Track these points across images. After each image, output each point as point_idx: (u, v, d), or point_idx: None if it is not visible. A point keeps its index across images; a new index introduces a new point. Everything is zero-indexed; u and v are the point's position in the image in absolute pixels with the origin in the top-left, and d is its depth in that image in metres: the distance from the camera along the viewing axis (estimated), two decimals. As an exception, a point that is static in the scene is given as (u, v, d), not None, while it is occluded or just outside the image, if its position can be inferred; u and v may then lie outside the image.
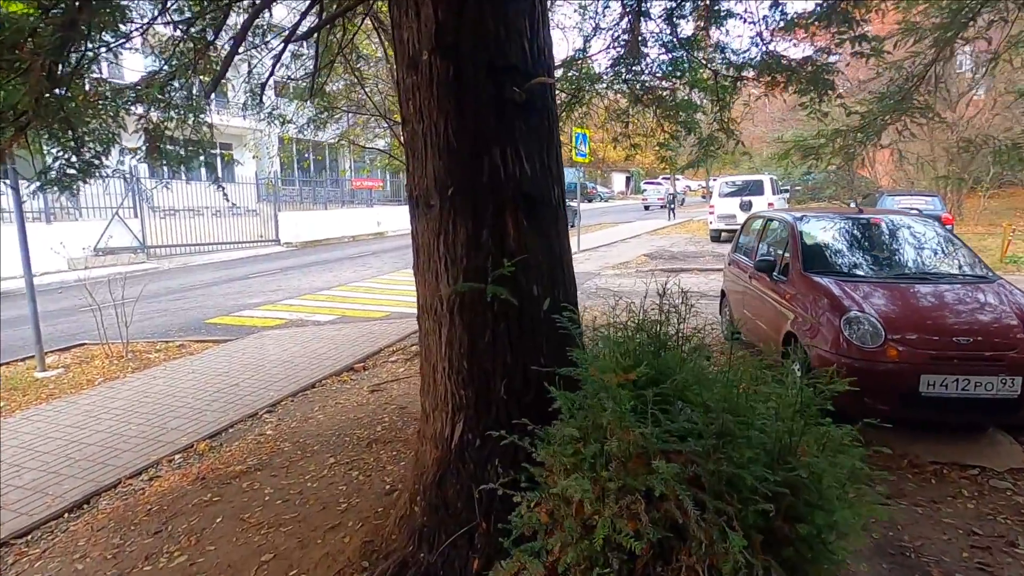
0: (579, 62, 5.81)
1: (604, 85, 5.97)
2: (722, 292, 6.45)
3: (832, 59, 4.64)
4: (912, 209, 12.30)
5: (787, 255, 4.53)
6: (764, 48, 4.49)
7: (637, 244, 17.27)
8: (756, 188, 15.56)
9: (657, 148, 6.08)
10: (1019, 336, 3.32)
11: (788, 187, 22.86)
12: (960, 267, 4.18)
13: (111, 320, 6.81)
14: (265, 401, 5.28)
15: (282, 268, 14.42)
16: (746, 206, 14.63)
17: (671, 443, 1.77)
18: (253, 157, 18.60)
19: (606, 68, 5.71)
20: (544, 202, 2.18)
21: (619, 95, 6.20)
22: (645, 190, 35.21)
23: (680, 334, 2.76)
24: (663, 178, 36.87)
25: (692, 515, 1.58)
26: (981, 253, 13.39)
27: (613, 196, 45.06)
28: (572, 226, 17.75)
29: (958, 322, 3.47)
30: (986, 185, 17.13)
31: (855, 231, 4.55)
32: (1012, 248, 11.56)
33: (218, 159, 21.97)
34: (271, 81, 5.22)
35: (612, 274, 12.48)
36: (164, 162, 4.66)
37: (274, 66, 3.48)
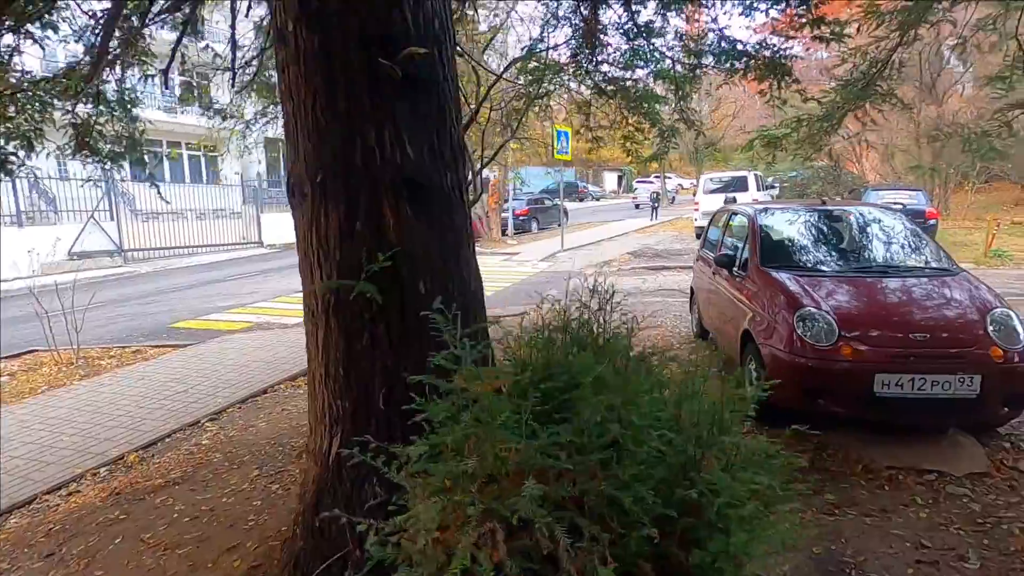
0: (538, 54, 5.61)
1: (566, 77, 5.78)
2: (691, 289, 6.25)
3: (798, 51, 4.47)
4: (896, 204, 12.14)
5: (747, 249, 4.33)
6: (719, 33, 4.29)
7: (623, 242, 17.09)
8: (740, 184, 15.40)
9: (622, 141, 5.88)
10: (979, 332, 3.12)
11: (776, 183, 22.71)
12: (923, 260, 3.98)
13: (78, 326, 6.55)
14: (211, 408, 5.05)
15: (262, 270, 14.19)
16: (731, 203, 14.45)
17: (558, 459, 1.56)
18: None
19: (567, 59, 5.52)
20: (434, 189, 1.96)
21: (583, 86, 6.01)
22: (636, 188, 35.04)
23: (604, 333, 2.56)
24: (655, 176, 36.70)
25: (563, 543, 1.37)
26: (966, 247, 13.22)
27: (605, 195, 44.86)
28: (559, 225, 17.58)
29: (915, 318, 3.27)
30: (973, 180, 16.99)
31: (817, 224, 4.36)
32: (996, 242, 11.41)
33: (202, 159, 21.53)
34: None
35: (593, 273, 12.28)
36: (94, 159, 4.44)
37: (175, 50, 3.24)
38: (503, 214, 19.04)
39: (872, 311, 3.39)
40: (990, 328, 3.14)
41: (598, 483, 1.45)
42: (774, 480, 1.76)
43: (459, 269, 2.04)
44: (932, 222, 11.71)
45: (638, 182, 38.24)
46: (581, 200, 37.73)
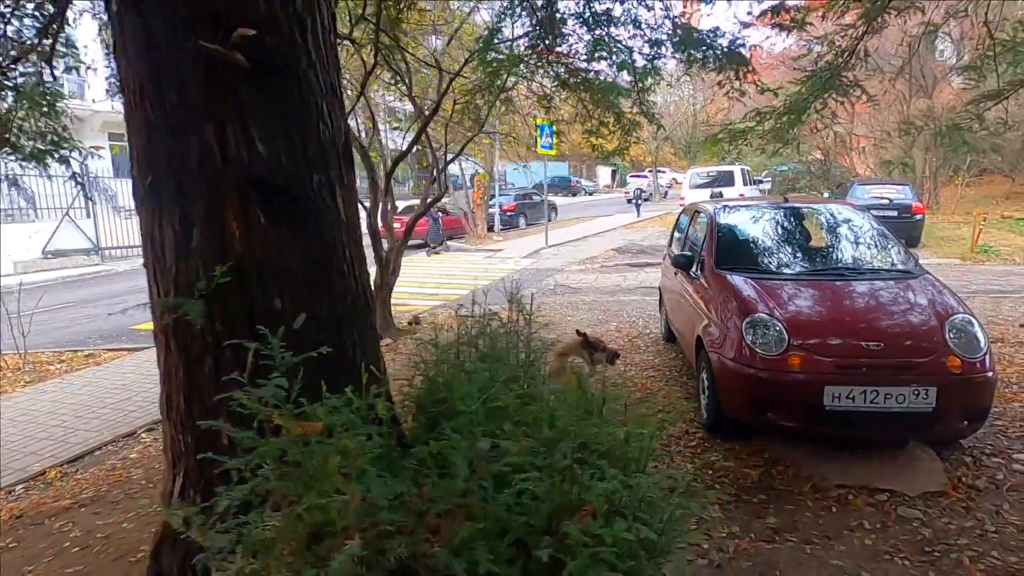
0: (496, 46, 5.36)
1: (527, 69, 5.53)
2: (660, 289, 6.03)
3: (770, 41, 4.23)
4: (883, 198, 11.91)
5: (704, 249, 4.11)
6: (674, 21, 4.05)
7: (609, 238, 16.85)
8: (727, 179, 15.15)
9: (586, 136, 5.65)
10: (936, 340, 2.90)
11: (768, 177, 22.47)
12: (885, 262, 3.76)
13: (38, 328, 6.28)
14: (152, 417, 4.81)
15: (239, 268, 13.89)
16: (717, 197, 14.22)
17: (394, 511, 1.34)
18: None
19: (526, 50, 5.28)
20: (296, 193, 1.73)
21: (545, 79, 5.77)
22: (629, 183, 34.78)
23: (516, 350, 2.34)
24: (649, 171, 36.41)
25: (382, 619, 1.16)
26: (954, 242, 12.93)
27: (598, 189, 44.52)
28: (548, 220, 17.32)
29: (870, 325, 3.05)
30: (964, 173, 16.76)
31: (777, 223, 4.13)
32: (985, 236, 11.16)
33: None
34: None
35: (576, 270, 12.05)
36: (16, 156, 4.19)
37: (54, 39, 3.00)
38: (490, 209, 18.76)
39: (825, 318, 3.17)
40: (949, 336, 2.92)
41: (431, 544, 1.23)
42: (674, 523, 1.55)
43: (329, 282, 1.81)
44: (919, 216, 11.49)
45: (631, 176, 37.92)
46: (574, 195, 37.44)
